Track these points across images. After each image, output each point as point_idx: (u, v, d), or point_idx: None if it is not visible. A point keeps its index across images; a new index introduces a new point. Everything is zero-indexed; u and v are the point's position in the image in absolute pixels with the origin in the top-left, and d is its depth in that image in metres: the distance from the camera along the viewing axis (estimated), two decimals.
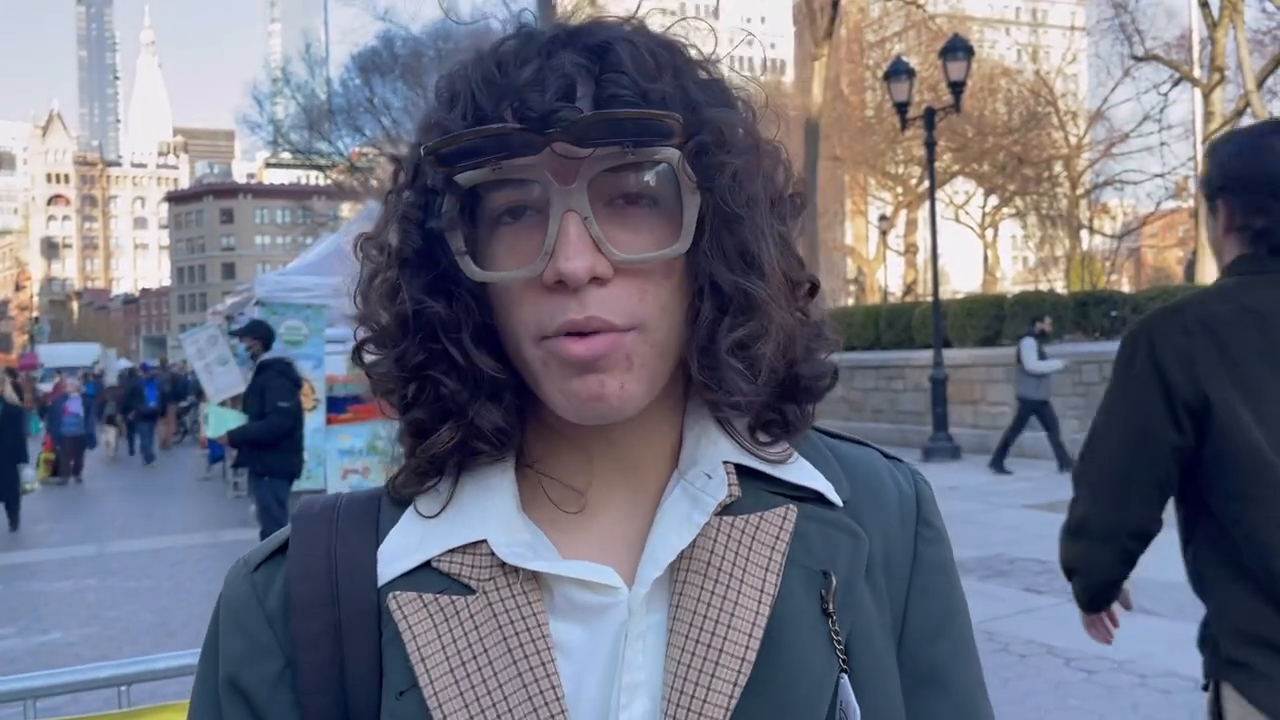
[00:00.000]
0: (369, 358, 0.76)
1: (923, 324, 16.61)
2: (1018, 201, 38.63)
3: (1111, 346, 13.25)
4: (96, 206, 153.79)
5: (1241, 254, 1.96)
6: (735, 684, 0.69)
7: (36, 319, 75.27)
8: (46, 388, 22.33)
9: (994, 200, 39.27)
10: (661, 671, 0.70)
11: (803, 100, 20.94)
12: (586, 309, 0.67)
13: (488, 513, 0.74)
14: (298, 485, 11.00)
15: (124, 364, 35.21)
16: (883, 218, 39.90)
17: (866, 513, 0.78)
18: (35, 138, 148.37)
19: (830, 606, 0.73)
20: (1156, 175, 36.64)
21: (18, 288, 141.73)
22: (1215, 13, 23.80)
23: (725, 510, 0.74)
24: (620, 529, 0.76)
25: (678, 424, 0.78)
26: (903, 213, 38.07)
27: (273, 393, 7.10)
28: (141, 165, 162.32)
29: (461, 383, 0.72)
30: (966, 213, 40.44)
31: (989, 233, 40.99)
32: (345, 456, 11.32)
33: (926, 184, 19.36)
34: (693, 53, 0.74)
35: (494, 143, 0.66)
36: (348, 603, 0.73)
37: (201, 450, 16.91)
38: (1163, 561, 7.13)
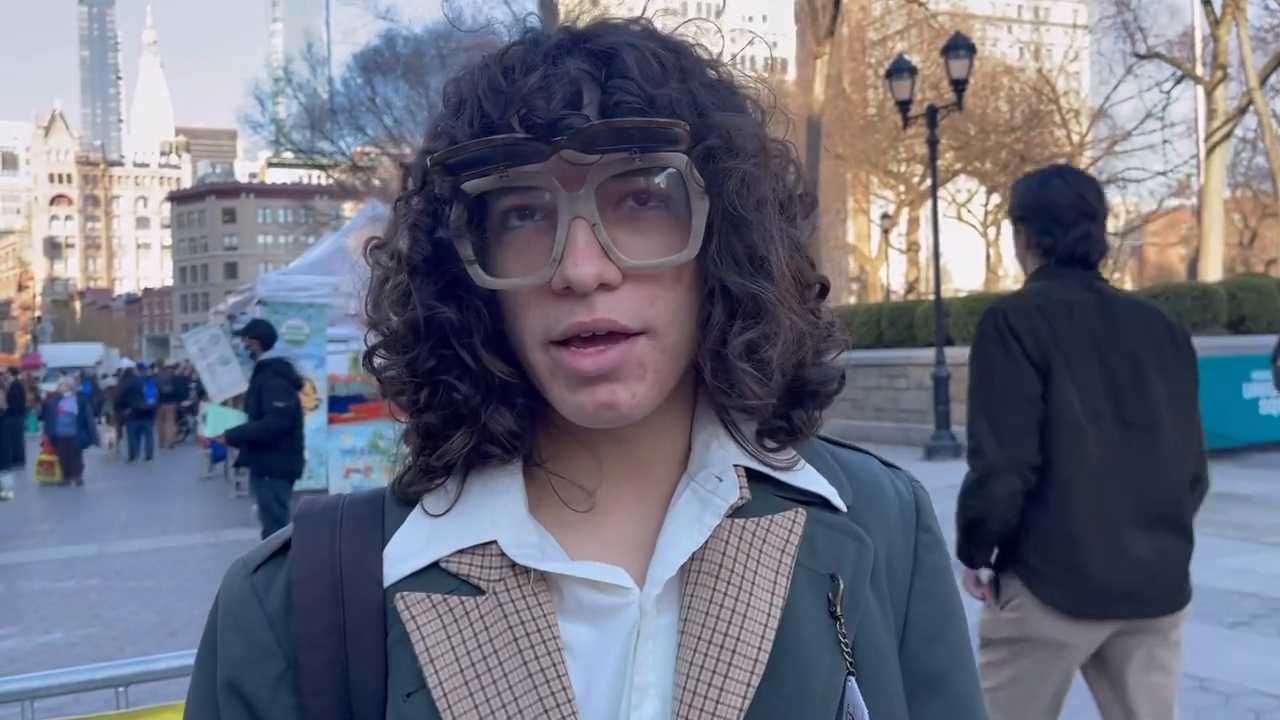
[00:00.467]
0: (379, 362, 0.75)
1: (925, 322, 16.60)
2: None
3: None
4: (99, 206, 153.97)
5: (1040, 265, 2.59)
6: (749, 685, 0.69)
7: (39, 319, 75.42)
8: (51, 387, 22.32)
9: (996, 198, 39.23)
10: (672, 673, 0.70)
11: (805, 99, 20.93)
12: (595, 312, 0.67)
13: (497, 513, 0.74)
14: (299, 485, 11.05)
15: (126, 363, 35.27)
16: (885, 216, 39.90)
17: (869, 518, 0.79)
18: (38, 137, 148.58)
19: (838, 609, 0.73)
20: (1159, 173, 36.68)
21: (20, 288, 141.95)
22: (1218, 10, 23.76)
23: (735, 513, 0.74)
24: (629, 530, 0.76)
25: (686, 426, 0.78)
26: (905, 211, 38.07)
27: (269, 393, 7.08)
28: (144, 165, 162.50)
29: (474, 387, 0.72)
30: (969, 211, 40.41)
31: (991, 231, 40.95)
32: (347, 456, 11.33)
33: (929, 182, 19.34)
34: (700, 53, 0.74)
35: (501, 151, 0.66)
36: (352, 603, 0.72)
37: (203, 450, 16.91)
38: None
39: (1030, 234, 2.58)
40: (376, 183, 39.14)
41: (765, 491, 0.76)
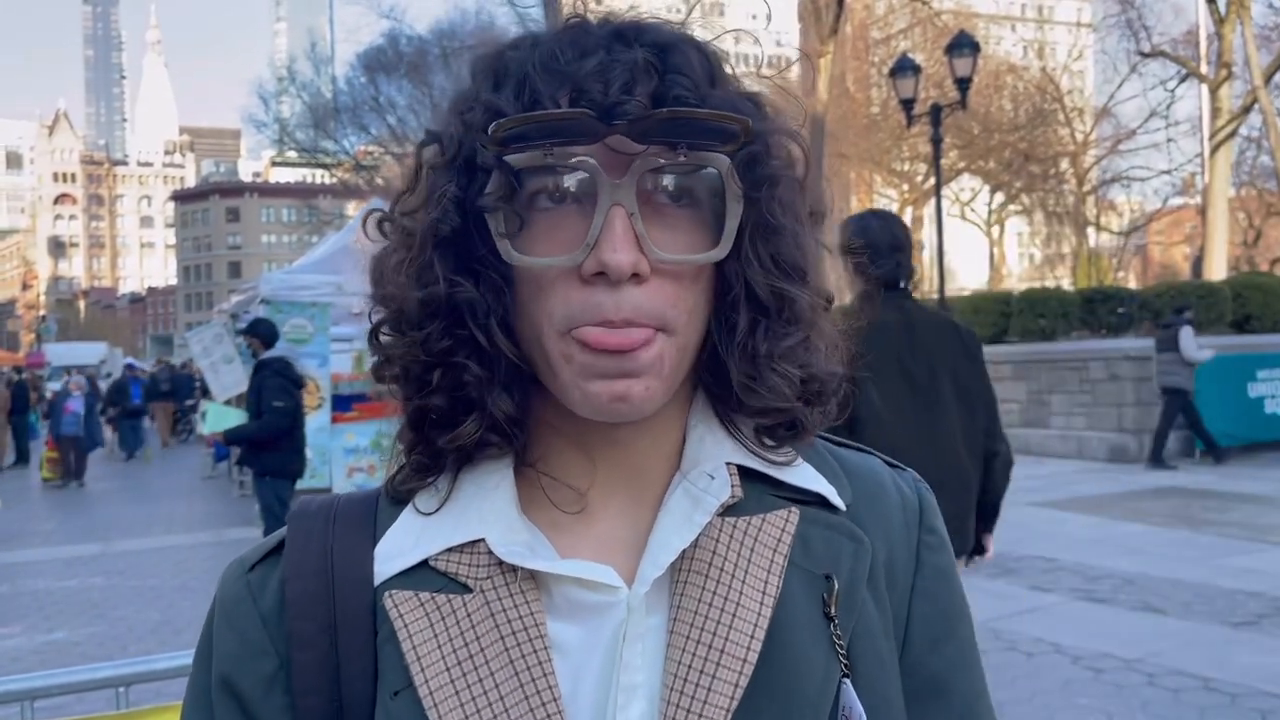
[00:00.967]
0: (385, 339, 0.74)
1: None
2: (1024, 198, 38.55)
3: (1119, 343, 13.16)
4: (103, 205, 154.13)
5: (863, 289, 3.14)
6: (737, 685, 0.68)
7: (43, 318, 75.48)
8: (55, 386, 22.38)
9: (1000, 197, 39.20)
10: (660, 673, 0.69)
11: (808, 98, 20.91)
12: (622, 309, 0.66)
13: (486, 512, 0.73)
14: (303, 485, 11.05)
15: (130, 362, 35.29)
16: None
17: (869, 518, 0.78)
18: (42, 137, 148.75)
19: (832, 610, 0.72)
20: (1163, 172, 36.63)
21: (25, 287, 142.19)
22: (1222, 8, 23.70)
23: (727, 511, 0.74)
24: (620, 530, 0.75)
25: (681, 424, 0.77)
26: (908, 210, 37.98)
27: (269, 392, 7.05)
28: (148, 164, 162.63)
29: (485, 369, 0.71)
30: (972, 210, 40.34)
31: (995, 230, 40.90)
32: (350, 455, 11.32)
33: (932, 181, 19.31)
34: (731, 68, 0.75)
35: (551, 128, 0.66)
36: (343, 602, 0.72)
37: (207, 449, 16.92)
38: (1171, 561, 7.15)
39: (855, 264, 3.19)
40: (380, 182, 39.15)
41: (760, 490, 0.76)
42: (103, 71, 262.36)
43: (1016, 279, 52.85)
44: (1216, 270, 22.51)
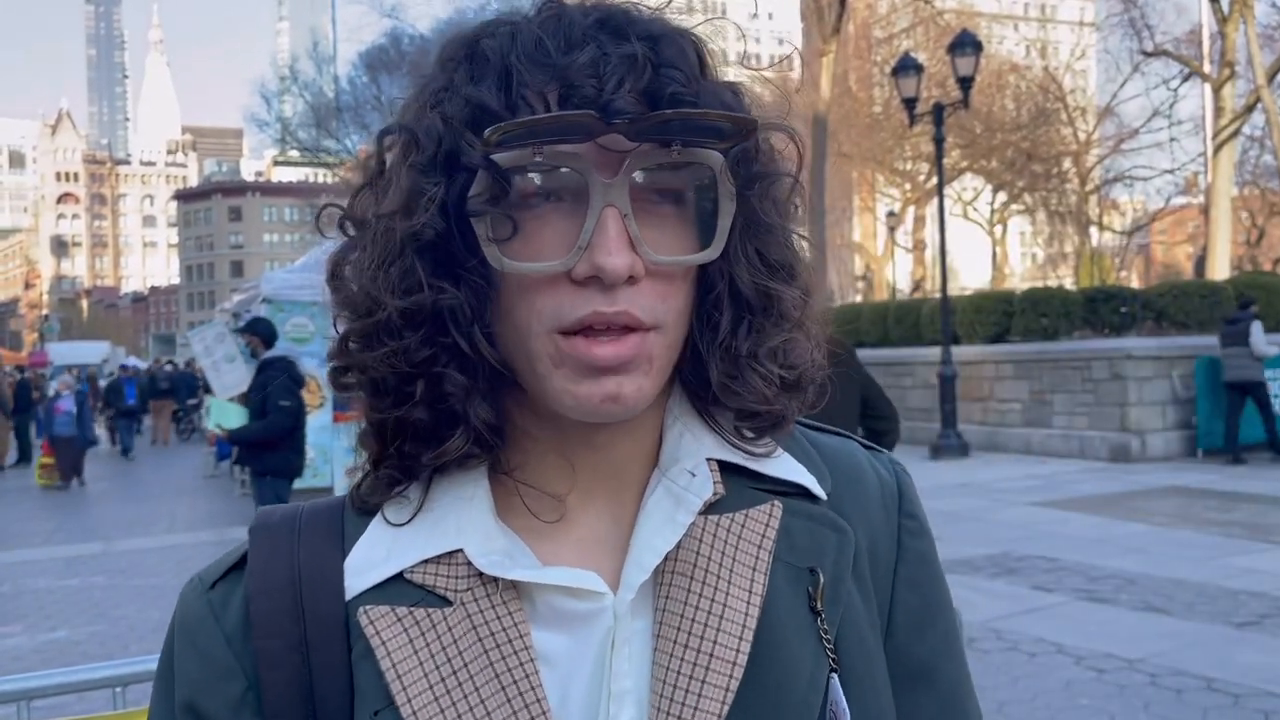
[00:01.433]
0: (354, 346, 0.69)
1: (931, 321, 16.55)
2: (1026, 198, 38.50)
3: (1122, 343, 13.15)
4: (105, 205, 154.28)
5: None
6: (727, 689, 0.67)
7: (46, 317, 75.54)
8: (56, 385, 22.41)
9: (1003, 196, 39.15)
10: (648, 679, 0.68)
11: (810, 96, 20.91)
12: (617, 303, 0.64)
13: (463, 521, 0.70)
14: (304, 484, 11.05)
15: (133, 361, 35.32)
16: (891, 214, 39.82)
17: (850, 506, 0.77)
18: (44, 136, 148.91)
19: (818, 604, 0.71)
20: (1166, 171, 36.59)
21: (27, 286, 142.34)
22: (1225, 7, 23.66)
23: (709, 508, 0.72)
24: (601, 533, 0.73)
25: (659, 420, 0.75)
26: (911, 209, 38.00)
27: (275, 391, 7.01)
28: (150, 164, 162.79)
29: (467, 377, 0.68)
30: (975, 209, 40.31)
31: (998, 229, 40.86)
32: (352, 454, 11.29)
33: (935, 180, 19.30)
34: (715, 53, 0.72)
35: (543, 127, 0.62)
36: (313, 618, 0.69)
37: (209, 448, 16.92)
38: (1174, 561, 7.17)
39: None
40: (326, 200, 39.10)
41: (740, 484, 0.74)
42: (105, 71, 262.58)
43: (1019, 278, 52.85)
44: (1219, 270, 22.48)
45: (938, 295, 15.30)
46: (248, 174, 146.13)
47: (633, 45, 0.66)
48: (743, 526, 0.72)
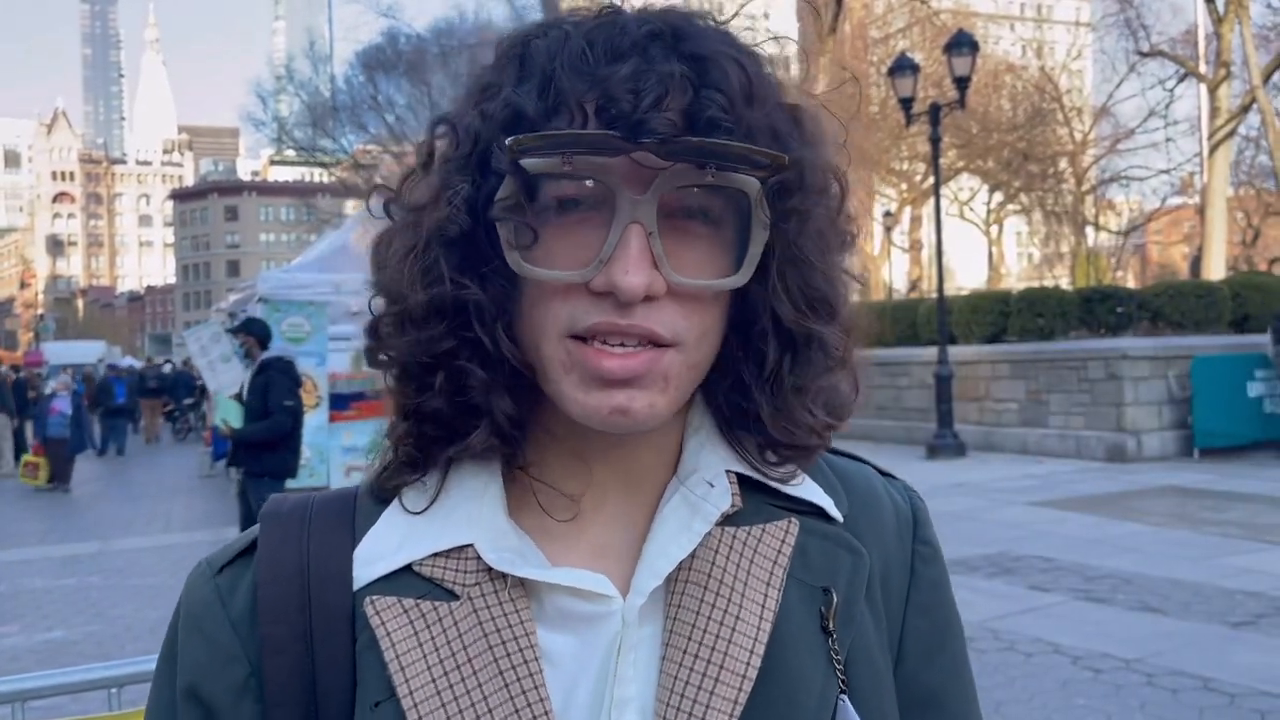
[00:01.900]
0: (386, 330, 0.70)
1: (927, 320, 16.56)
2: (1023, 198, 38.53)
3: (1118, 343, 13.18)
4: (101, 204, 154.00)
5: None
6: (735, 702, 0.66)
7: (41, 317, 75.44)
8: (53, 384, 22.39)
9: (999, 197, 39.18)
10: (654, 687, 0.67)
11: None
12: (632, 317, 0.64)
13: (474, 517, 0.70)
14: (300, 483, 11.02)
15: (128, 361, 35.25)
16: (887, 214, 39.82)
17: (865, 529, 0.77)
18: (40, 135, 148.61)
19: (830, 624, 0.71)
20: (1162, 171, 36.66)
21: (23, 285, 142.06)
22: (1221, 8, 23.70)
23: (726, 520, 0.72)
24: (613, 537, 0.73)
25: (679, 430, 0.75)
26: (907, 209, 38.01)
27: (276, 392, 6.95)
28: (146, 163, 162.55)
29: (489, 373, 0.68)
30: (971, 209, 40.33)
31: (994, 229, 40.89)
32: (348, 454, 11.32)
33: (931, 180, 19.32)
34: (776, 72, 0.71)
35: (574, 137, 0.62)
36: (319, 607, 0.69)
37: (205, 447, 16.90)
38: (1170, 560, 7.18)
39: None
40: (379, 180, 39.09)
41: (758, 499, 0.74)
42: (101, 70, 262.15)
43: (1015, 278, 52.88)
44: (1215, 270, 22.51)
45: (934, 295, 15.31)
46: (244, 173, 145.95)
47: (677, 63, 0.64)
48: (759, 540, 0.72)
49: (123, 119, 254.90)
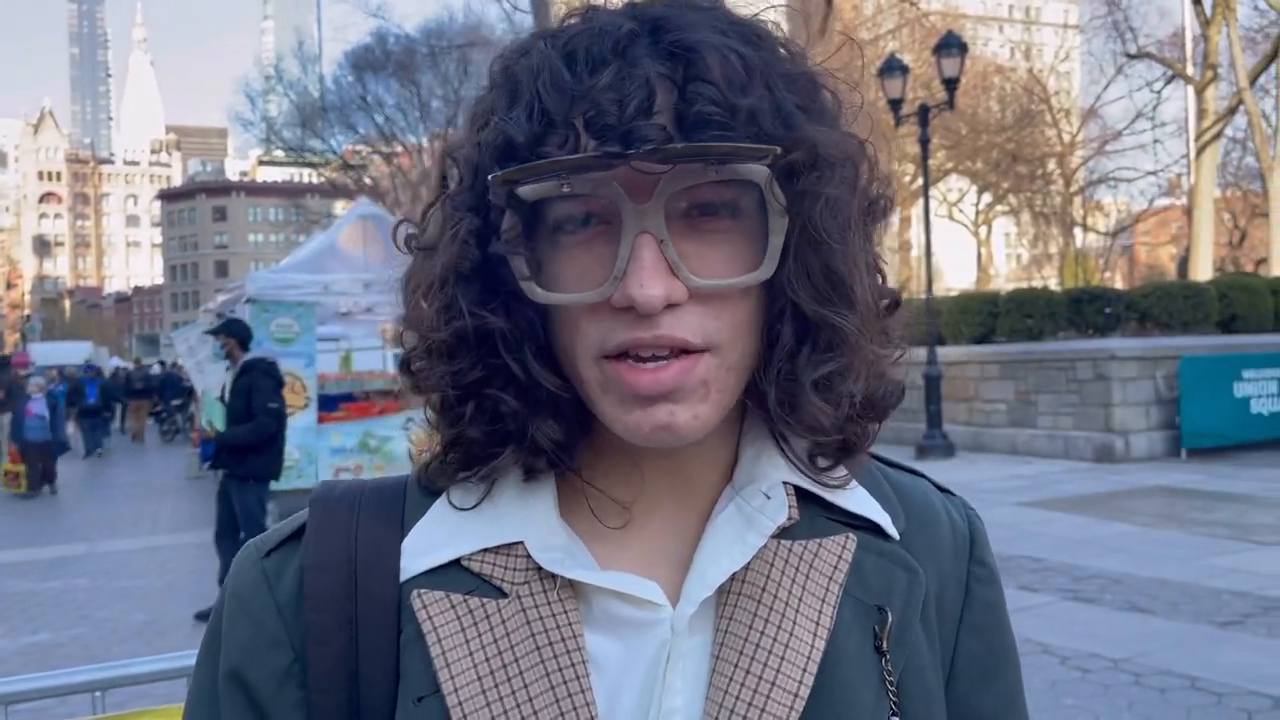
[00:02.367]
0: (418, 365, 0.70)
1: (916, 321, 16.56)
2: (1011, 199, 38.68)
3: (1106, 343, 13.25)
4: (89, 204, 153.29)
5: None
6: None
7: (28, 317, 75.02)
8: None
9: (987, 198, 39.30)
10: (701, 699, 0.66)
11: None
12: (657, 328, 0.62)
13: (525, 515, 0.70)
14: (288, 485, 10.98)
15: (116, 362, 35.13)
16: None
17: (921, 547, 0.75)
18: (27, 135, 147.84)
19: (884, 644, 0.69)
20: (1149, 173, 36.85)
21: (9, 286, 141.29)
22: (1208, 10, 23.82)
23: (781, 534, 0.70)
24: (664, 543, 0.72)
25: (734, 438, 0.73)
26: (896, 210, 38.02)
27: (260, 394, 6.90)
28: (134, 163, 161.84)
29: (521, 401, 0.67)
30: (960, 210, 40.46)
31: (983, 230, 41.02)
32: (337, 455, 11.28)
33: (920, 181, 19.35)
34: (777, 37, 0.68)
35: (559, 164, 0.61)
36: (366, 597, 0.68)
37: (193, 448, 16.82)
38: (1158, 561, 7.20)
39: None
40: (368, 181, 39.09)
41: (814, 512, 0.72)
42: (88, 70, 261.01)
43: (1004, 279, 53.06)
44: (1202, 271, 22.62)
45: (923, 296, 15.34)
46: (232, 174, 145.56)
47: (659, 61, 0.62)
48: (815, 555, 0.70)
49: (110, 119, 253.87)
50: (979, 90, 34.11)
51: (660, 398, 0.63)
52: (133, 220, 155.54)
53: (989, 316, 16.16)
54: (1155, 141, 36.17)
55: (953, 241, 49.64)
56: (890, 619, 0.70)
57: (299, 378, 11.07)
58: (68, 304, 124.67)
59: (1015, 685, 0.78)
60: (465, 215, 0.66)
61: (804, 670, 0.66)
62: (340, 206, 41.88)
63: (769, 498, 0.70)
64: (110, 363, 35.57)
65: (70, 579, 8.83)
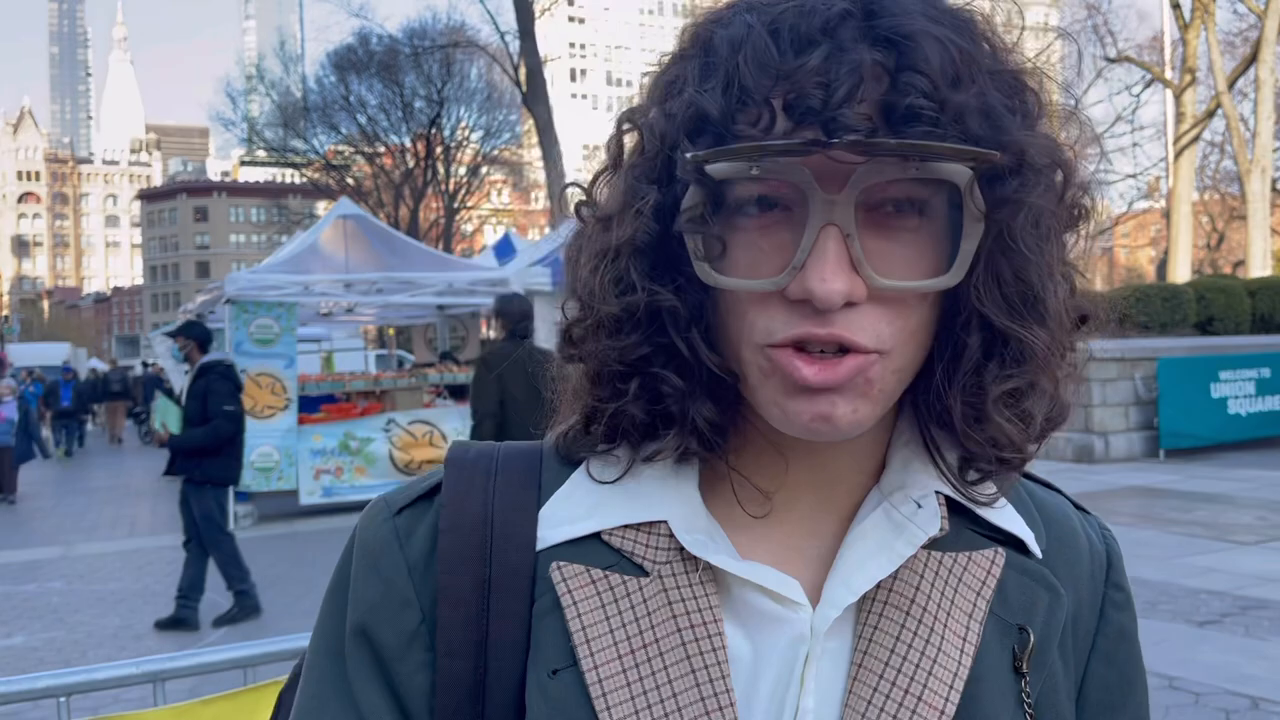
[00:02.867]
0: (578, 333, 0.68)
1: None
2: None
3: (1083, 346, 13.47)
4: (68, 204, 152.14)
5: (505, 335, 6.08)
6: None
7: (6, 318, 74.38)
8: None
9: None
10: (835, 704, 0.64)
11: None
12: (831, 326, 0.59)
13: (668, 495, 0.68)
14: (269, 487, 10.91)
15: (95, 364, 34.82)
16: None
17: (1060, 567, 0.72)
18: (6, 134, 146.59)
19: (1024, 665, 0.67)
20: (1129, 176, 37.04)
21: None
22: (1187, 14, 24.01)
23: (930, 545, 0.68)
24: (802, 540, 0.70)
25: (884, 441, 0.71)
26: (1091, 219, 38.19)
27: (216, 397, 6.76)
28: (114, 162, 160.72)
29: (684, 380, 0.65)
30: None
31: None
32: (317, 457, 11.21)
33: None
34: (983, 27, 0.64)
35: (759, 148, 0.58)
36: (500, 563, 0.67)
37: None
38: (1135, 560, 7.22)
39: (502, 322, 6.13)
40: (350, 181, 38.92)
41: (960, 524, 0.69)
42: (68, 69, 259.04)
43: None
44: (1181, 273, 22.79)
45: None
46: (214, 174, 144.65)
47: (872, 47, 0.58)
48: (964, 569, 0.68)
49: (90, 118, 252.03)
50: None
51: (824, 390, 0.60)
52: (112, 220, 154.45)
53: None
54: (1134, 145, 36.39)
55: None
56: (1031, 639, 0.67)
57: (279, 379, 11.00)
58: (46, 304, 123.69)
59: (1143, 713, 0.76)
60: (646, 188, 0.64)
61: (951, 687, 0.64)
62: (323, 207, 41.70)
63: (920, 506, 0.68)
64: (87, 364, 35.20)
65: (45, 582, 8.74)
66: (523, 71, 22.91)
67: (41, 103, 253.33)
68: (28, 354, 37.25)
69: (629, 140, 0.68)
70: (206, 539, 6.87)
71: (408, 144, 38.28)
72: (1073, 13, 34.05)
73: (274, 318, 11.06)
